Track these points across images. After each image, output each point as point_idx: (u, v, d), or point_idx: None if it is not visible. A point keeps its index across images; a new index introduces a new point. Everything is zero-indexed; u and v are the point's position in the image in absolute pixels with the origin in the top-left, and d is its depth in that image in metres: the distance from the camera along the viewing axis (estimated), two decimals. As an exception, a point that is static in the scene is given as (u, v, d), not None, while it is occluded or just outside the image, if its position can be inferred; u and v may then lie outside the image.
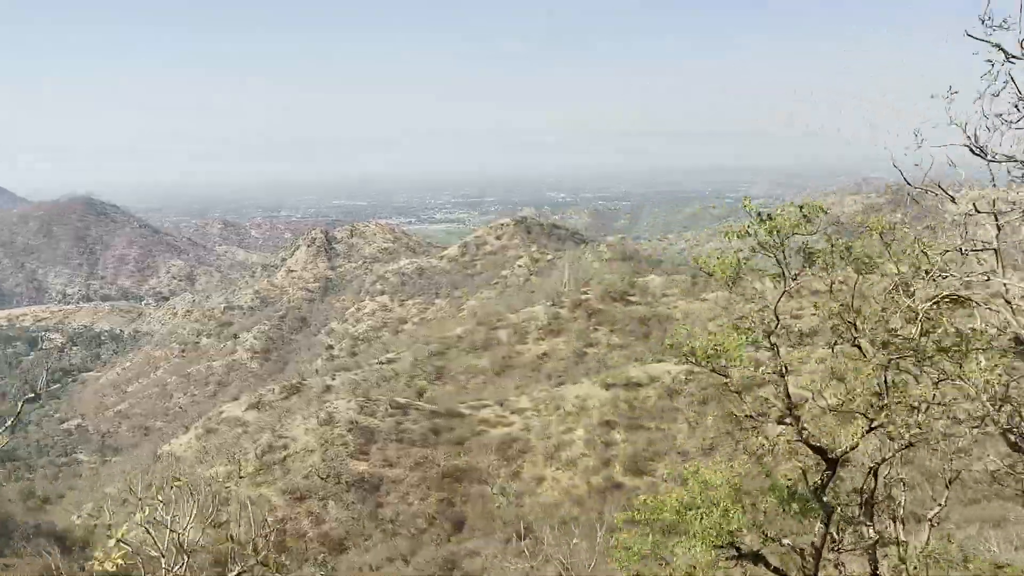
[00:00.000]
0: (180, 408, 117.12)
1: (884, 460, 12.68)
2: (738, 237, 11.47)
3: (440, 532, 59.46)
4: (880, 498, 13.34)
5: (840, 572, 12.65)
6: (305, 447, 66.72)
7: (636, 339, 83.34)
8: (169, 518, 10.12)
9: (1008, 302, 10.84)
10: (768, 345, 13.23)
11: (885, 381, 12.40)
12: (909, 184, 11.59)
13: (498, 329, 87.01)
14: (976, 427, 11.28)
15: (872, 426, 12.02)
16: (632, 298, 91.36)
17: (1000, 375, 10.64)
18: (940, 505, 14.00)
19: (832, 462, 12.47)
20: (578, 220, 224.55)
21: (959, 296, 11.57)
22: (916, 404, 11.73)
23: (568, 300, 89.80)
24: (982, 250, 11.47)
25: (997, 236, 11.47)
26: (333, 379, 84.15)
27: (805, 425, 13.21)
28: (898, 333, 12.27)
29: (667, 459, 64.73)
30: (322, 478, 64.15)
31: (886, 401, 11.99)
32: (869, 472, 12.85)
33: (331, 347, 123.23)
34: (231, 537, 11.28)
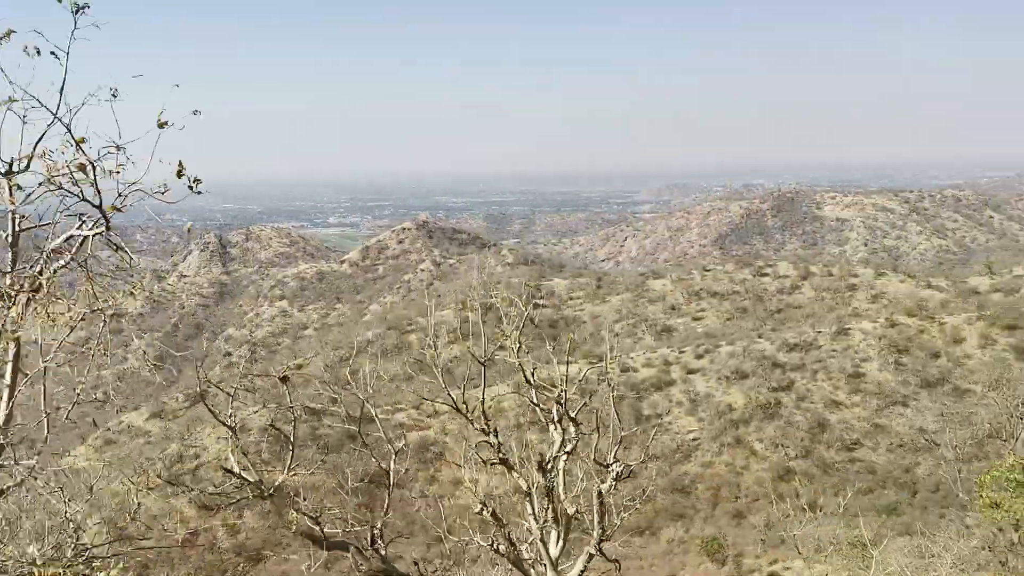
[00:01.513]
0: (70, 420, 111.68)
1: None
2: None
3: (360, 537, 59.23)
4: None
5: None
6: (217, 456, 65.15)
7: (535, 342, 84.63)
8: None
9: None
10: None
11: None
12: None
13: (409, 333, 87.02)
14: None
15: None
16: (539, 301, 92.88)
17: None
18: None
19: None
20: (474, 225, 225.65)
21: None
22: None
23: (477, 304, 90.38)
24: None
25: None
26: (240, 385, 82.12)
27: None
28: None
29: (581, 456, 66.27)
30: (236, 487, 62.83)
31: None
32: None
33: (229, 354, 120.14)
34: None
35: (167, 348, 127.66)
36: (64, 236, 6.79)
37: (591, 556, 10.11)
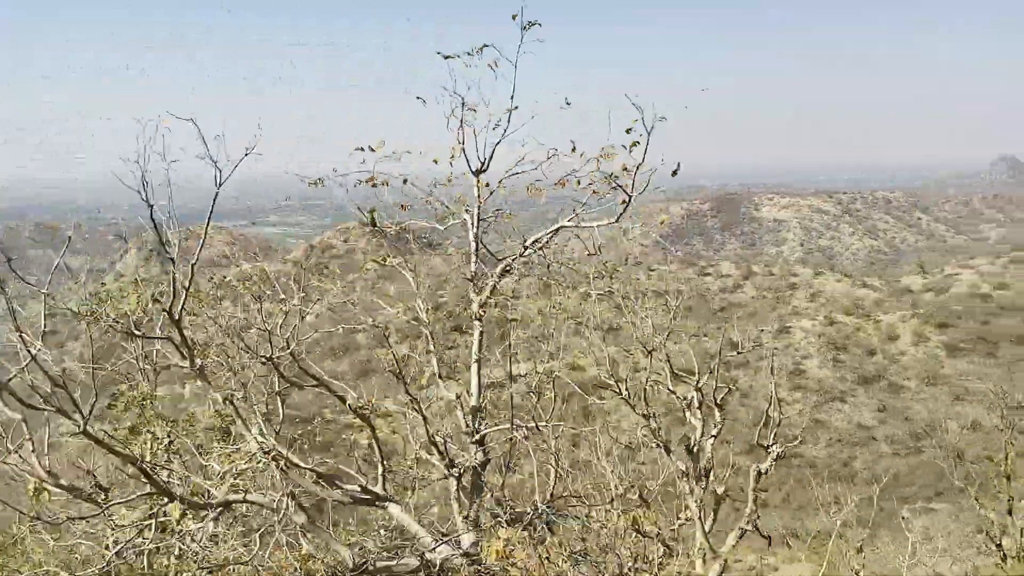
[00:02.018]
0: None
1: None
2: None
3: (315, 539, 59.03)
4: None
5: None
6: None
7: (494, 340, 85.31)
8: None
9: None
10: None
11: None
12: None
13: (357, 333, 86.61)
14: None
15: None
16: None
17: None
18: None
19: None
20: (419, 225, 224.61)
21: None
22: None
23: (427, 303, 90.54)
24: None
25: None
26: (183, 387, 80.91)
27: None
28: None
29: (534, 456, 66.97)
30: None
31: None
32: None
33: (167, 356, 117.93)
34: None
35: (105, 350, 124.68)
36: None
37: (743, 532, 10.75)
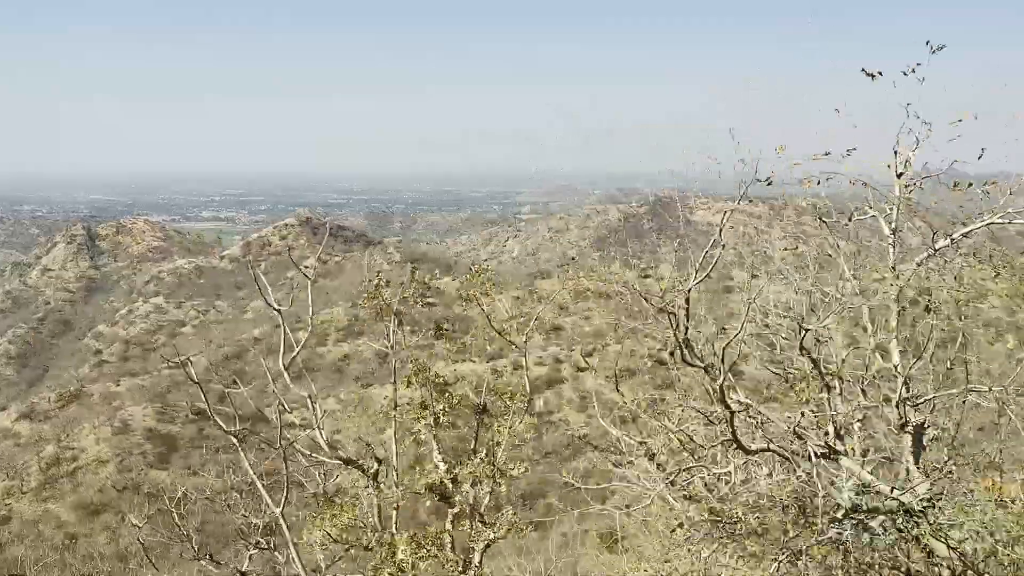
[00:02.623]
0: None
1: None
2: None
3: (253, 540, 58.30)
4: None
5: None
6: (97, 457, 62.66)
7: (432, 340, 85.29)
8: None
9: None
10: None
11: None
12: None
13: (297, 331, 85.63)
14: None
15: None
16: (430, 299, 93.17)
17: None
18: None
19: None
20: (354, 222, 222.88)
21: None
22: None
23: (367, 301, 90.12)
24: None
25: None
26: (118, 385, 79.07)
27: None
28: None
29: (477, 455, 67.35)
30: (118, 490, 60.60)
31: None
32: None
33: (99, 351, 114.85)
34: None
35: (32, 345, 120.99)
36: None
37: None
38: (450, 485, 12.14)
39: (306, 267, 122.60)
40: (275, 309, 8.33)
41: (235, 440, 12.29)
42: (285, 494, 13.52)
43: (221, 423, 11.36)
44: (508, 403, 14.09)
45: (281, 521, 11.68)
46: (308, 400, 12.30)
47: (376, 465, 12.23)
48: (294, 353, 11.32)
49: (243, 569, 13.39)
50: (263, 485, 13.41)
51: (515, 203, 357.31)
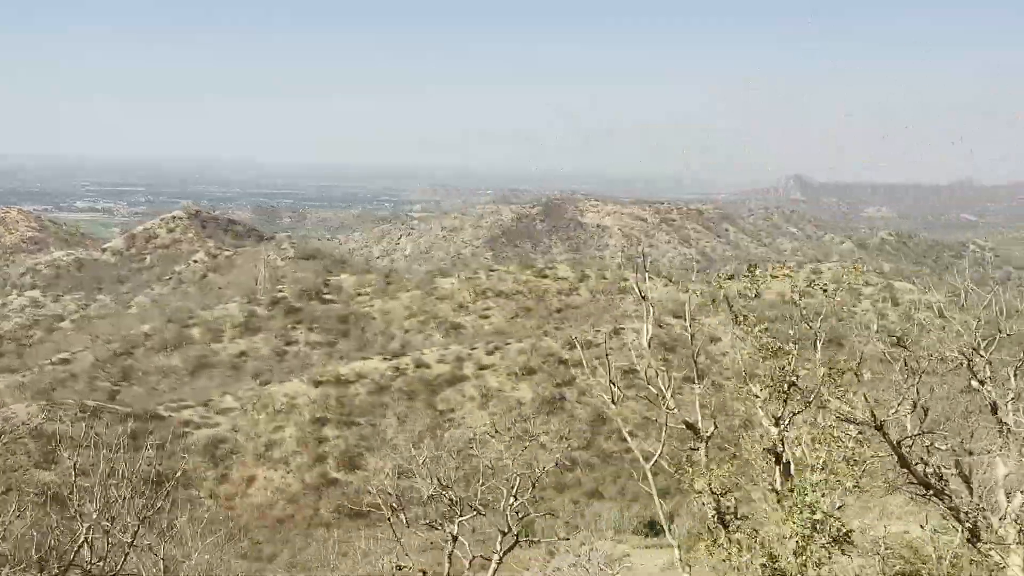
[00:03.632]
0: None
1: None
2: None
3: (148, 540, 56.49)
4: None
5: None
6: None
7: (336, 337, 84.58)
8: None
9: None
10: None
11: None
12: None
13: (190, 327, 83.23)
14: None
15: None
16: (328, 296, 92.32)
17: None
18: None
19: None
20: (241, 216, 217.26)
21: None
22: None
23: (264, 298, 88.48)
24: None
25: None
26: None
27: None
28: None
29: (379, 453, 67.30)
30: (1, 492, 57.62)
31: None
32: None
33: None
34: None
35: None
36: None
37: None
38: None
39: (195, 261, 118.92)
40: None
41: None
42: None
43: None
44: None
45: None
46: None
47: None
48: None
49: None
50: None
51: (406, 201, 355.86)
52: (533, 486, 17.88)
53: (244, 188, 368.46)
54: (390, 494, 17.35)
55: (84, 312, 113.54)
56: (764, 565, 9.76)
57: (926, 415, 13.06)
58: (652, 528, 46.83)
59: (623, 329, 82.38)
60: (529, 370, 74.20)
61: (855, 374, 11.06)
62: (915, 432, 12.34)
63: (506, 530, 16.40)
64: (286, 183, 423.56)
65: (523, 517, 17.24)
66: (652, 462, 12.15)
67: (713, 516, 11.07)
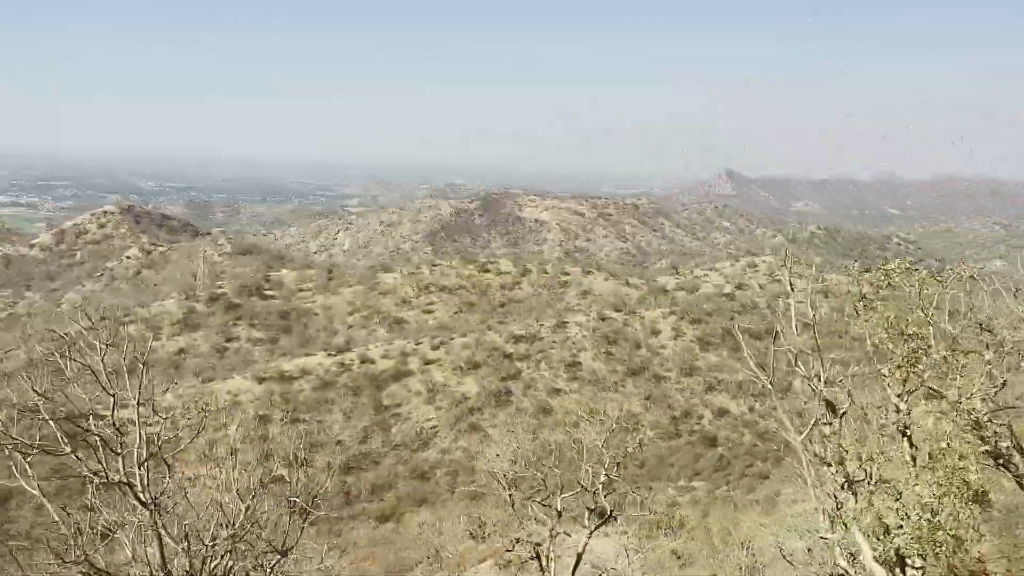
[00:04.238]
0: None
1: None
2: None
3: (87, 542, 55.39)
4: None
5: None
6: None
7: (278, 333, 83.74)
8: None
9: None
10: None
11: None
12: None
13: (126, 324, 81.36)
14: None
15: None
16: (268, 292, 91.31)
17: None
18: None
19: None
20: (173, 211, 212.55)
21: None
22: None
23: (203, 294, 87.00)
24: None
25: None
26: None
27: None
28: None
29: (325, 449, 67.09)
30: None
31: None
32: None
33: None
34: None
35: None
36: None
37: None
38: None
39: (128, 257, 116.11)
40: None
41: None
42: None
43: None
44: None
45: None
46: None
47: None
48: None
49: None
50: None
51: (341, 196, 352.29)
52: (617, 466, 19.21)
53: (186, 182, 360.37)
54: (504, 475, 18.53)
55: (12, 310, 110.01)
56: (928, 520, 10.75)
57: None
58: (600, 517, 47.93)
59: (567, 323, 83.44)
60: (474, 364, 74.66)
61: (955, 356, 12.11)
62: (996, 408, 13.40)
63: (592, 507, 17.66)
64: (225, 177, 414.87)
65: (606, 495, 18.37)
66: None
67: (843, 484, 11.98)
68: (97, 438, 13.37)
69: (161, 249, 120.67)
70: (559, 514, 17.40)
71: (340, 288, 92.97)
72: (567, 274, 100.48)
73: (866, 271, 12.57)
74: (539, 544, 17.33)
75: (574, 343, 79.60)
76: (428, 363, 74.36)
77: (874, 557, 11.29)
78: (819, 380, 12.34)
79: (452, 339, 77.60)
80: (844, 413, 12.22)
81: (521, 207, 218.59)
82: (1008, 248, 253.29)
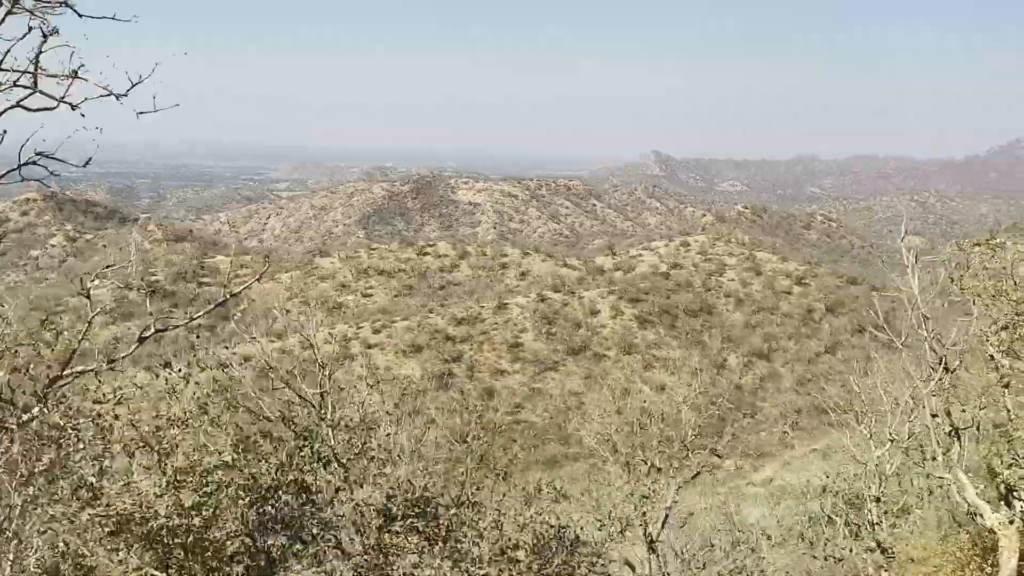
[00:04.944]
0: None
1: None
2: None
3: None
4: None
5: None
6: None
7: (215, 320, 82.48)
8: None
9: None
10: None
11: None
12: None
13: (58, 313, 79.24)
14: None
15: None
16: (205, 279, 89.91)
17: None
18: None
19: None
20: (97, 197, 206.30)
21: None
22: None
23: (136, 282, 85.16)
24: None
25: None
26: None
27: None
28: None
29: (271, 436, 66.76)
30: None
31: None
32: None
33: None
34: None
35: None
36: None
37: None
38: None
39: (53, 246, 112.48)
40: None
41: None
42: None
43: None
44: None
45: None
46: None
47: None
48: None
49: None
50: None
51: (269, 180, 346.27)
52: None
53: (104, 167, 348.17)
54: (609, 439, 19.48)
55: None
56: None
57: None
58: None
59: (507, 304, 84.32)
60: (416, 347, 75.00)
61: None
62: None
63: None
64: (139, 160, 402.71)
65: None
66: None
67: (950, 432, 13.61)
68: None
69: (88, 237, 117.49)
70: (659, 470, 18.56)
71: (277, 274, 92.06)
72: (506, 255, 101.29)
73: (976, 244, 13.99)
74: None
75: (515, 324, 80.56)
76: (370, 347, 74.43)
77: (976, 494, 13.05)
78: (938, 341, 13.48)
79: (394, 323, 77.77)
80: (954, 370, 13.65)
81: (454, 190, 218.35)
82: (923, 224, 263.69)
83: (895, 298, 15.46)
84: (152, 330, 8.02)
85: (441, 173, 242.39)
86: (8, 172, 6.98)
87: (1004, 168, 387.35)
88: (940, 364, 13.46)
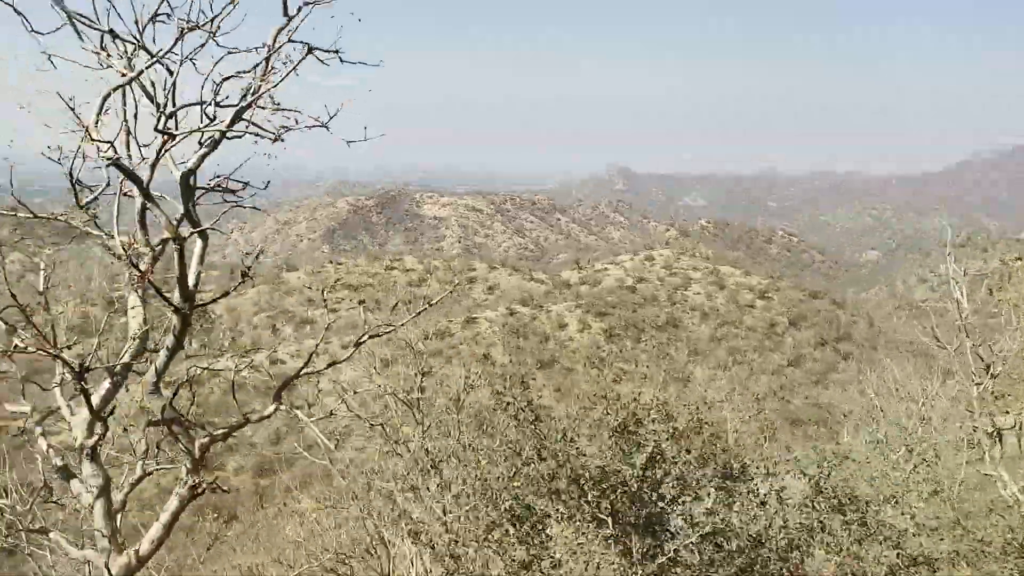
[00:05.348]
0: None
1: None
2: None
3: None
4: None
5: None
6: None
7: (193, 333, 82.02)
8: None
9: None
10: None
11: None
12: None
13: (18, 331, 78.12)
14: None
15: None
16: (169, 295, 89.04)
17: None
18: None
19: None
20: (54, 210, 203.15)
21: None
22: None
23: (100, 298, 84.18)
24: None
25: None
26: None
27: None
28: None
29: (238, 452, 66.42)
30: None
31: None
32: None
33: None
34: None
35: None
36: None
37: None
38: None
39: (11, 262, 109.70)
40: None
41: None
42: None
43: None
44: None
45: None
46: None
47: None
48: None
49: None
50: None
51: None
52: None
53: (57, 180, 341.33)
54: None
55: None
56: None
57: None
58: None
59: (476, 318, 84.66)
60: (386, 362, 74.88)
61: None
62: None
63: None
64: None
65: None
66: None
67: (993, 432, 14.93)
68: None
69: (47, 252, 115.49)
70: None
71: (243, 288, 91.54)
72: (473, 270, 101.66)
73: (1018, 259, 15.24)
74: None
75: (484, 338, 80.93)
76: (339, 362, 74.15)
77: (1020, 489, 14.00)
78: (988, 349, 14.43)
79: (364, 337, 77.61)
80: (997, 375, 14.35)
81: (419, 204, 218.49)
82: (880, 239, 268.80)
83: (855, 311, 16.13)
84: (366, 336, 9.03)
85: (407, 187, 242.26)
86: (203, 193, 7.30)
87: (960, 184, 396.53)
88: (986, 370, 14.23)
